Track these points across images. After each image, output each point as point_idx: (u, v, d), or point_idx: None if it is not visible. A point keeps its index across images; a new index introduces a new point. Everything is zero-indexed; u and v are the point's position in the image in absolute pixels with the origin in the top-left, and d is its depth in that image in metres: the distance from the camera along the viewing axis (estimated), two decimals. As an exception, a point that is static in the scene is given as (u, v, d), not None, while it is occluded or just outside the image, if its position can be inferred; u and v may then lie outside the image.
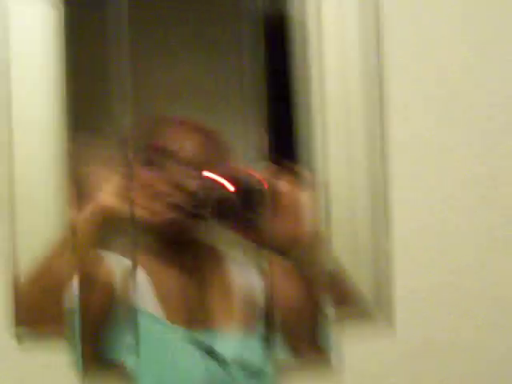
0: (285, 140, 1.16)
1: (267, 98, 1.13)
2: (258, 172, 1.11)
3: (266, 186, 1.09)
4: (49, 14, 1.15)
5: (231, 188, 1.08)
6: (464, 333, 1.24)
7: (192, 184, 1.09)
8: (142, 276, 1.12)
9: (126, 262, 1.11)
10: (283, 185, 1.10)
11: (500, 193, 1.24)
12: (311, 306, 1.12)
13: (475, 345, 1.24)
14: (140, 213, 1.09)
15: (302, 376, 1.14)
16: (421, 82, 1.22)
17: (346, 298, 1.16)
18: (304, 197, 1.11)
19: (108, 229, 1.07)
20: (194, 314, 1.12)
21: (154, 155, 1.12)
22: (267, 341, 1.12)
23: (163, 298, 1.11)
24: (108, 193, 1.06)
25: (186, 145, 1.13)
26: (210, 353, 1.09)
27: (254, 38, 1.13)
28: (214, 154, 1.14)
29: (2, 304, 1.12)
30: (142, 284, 1.12)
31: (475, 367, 1.24)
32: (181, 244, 1.13)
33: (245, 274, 1.16)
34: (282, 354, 1.13)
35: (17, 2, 1.15)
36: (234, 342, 1.12)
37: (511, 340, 1.24)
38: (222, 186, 1.08)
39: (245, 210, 1.08)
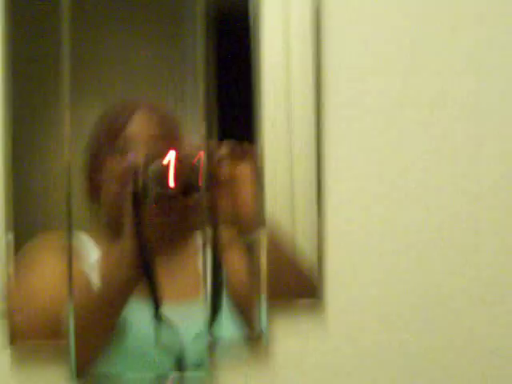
0: (231, 119, 1.19)
1: (215, 79, 1.16)
2: (204, 148, 1.14)
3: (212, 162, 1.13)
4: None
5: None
6: (396, 333, 1.23)
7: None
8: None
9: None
10: (230, 159, 1.15)
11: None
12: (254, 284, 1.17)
13: (409, 346, 1.23)
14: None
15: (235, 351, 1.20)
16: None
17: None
18: (249, 170, 1.15)
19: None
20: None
21: (121, 144, 1.17)
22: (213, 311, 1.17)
23: None
24: None
25: (144, 128, 1.18)
26: (159, 319, 1.14)
27: (204, 25, 1.16)
28: (169, 133, 1.19)
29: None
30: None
31: (407, 366, 1.24)
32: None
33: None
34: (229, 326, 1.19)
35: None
36: (183, 310, 1.17)
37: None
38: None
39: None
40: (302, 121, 1.21)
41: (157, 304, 1.13)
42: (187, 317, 1.17)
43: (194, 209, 1.12)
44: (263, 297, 1.18)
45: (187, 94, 1.19)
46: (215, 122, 1.16)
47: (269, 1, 1.21)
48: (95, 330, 1.13)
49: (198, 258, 1.17)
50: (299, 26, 1.22)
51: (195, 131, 1.17)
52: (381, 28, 1.24)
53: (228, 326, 1.19)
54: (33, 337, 1.14)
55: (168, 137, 1.18)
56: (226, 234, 1.19)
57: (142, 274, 1.13)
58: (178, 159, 1.10)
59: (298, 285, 1.21)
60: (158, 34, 1.21)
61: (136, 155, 1.15)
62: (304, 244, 1.21)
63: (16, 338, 1.14)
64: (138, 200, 1.11)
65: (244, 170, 1.16)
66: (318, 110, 1.21)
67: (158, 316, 1.13)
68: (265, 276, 1.17)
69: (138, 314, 1.14)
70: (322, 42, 1.22)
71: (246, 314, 1.19)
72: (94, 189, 1.18)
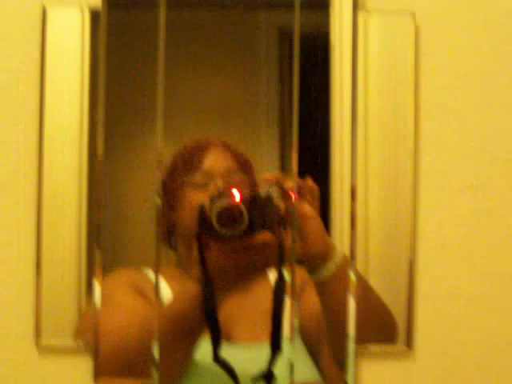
0: (308, 155, 1.18)
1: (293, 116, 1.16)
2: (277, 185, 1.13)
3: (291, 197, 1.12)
4: (84, 19, 1.19)
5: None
6: (489, 358, 1.20)
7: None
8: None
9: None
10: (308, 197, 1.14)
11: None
12: (334, 323, 1.15)
13: (500, 368, 1.20)
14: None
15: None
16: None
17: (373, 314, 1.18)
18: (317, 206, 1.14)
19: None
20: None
21: (199, 178, 1.19)
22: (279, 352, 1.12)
23: None
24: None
25: (219, 162, 1.21)
26: (218, 360, 1.11)
27: (282, 58, 1.20)
28: (243, 168, 1.21)
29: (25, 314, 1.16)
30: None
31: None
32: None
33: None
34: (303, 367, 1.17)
35: (53, 6, 1.17)
36: (249, 351, 1.16)
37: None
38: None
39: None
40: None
41: (216, 345, 1.10)
42: (252, 359, 1.14)
43: (262, 248, 1.09)
44: (350, 339, 1.15)
45: (261, 132, 1.22)
46: (289, 160, 1.17)
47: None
48: (172, 367, 1.13)
49: (268, 299, 1.12)
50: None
51: (268, 169, 1.21)
52: (473, 139, 1.22)
53: (301, 371, 1.16)
54: (116, 374, 1.14)
55: (242, 172, 1.21)
56: (299, 272, 1.15)
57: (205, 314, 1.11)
58: (246, 197, 1.08)
59: (381, 329, 1.19)
60: (232, 73, 1.24)
61: (207, 192, 1.16)
62: (393, 288, 1.19)
63: (100, 375, 1.14)
64: (203, 239, 1.09)
65: (311, 206, 1.14)
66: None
67: (216, 357, 1.10)
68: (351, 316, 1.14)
69: (199, 352, 1.13)
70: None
71: (316, 357, 1.18)
72: (167, 227, 1.20)
